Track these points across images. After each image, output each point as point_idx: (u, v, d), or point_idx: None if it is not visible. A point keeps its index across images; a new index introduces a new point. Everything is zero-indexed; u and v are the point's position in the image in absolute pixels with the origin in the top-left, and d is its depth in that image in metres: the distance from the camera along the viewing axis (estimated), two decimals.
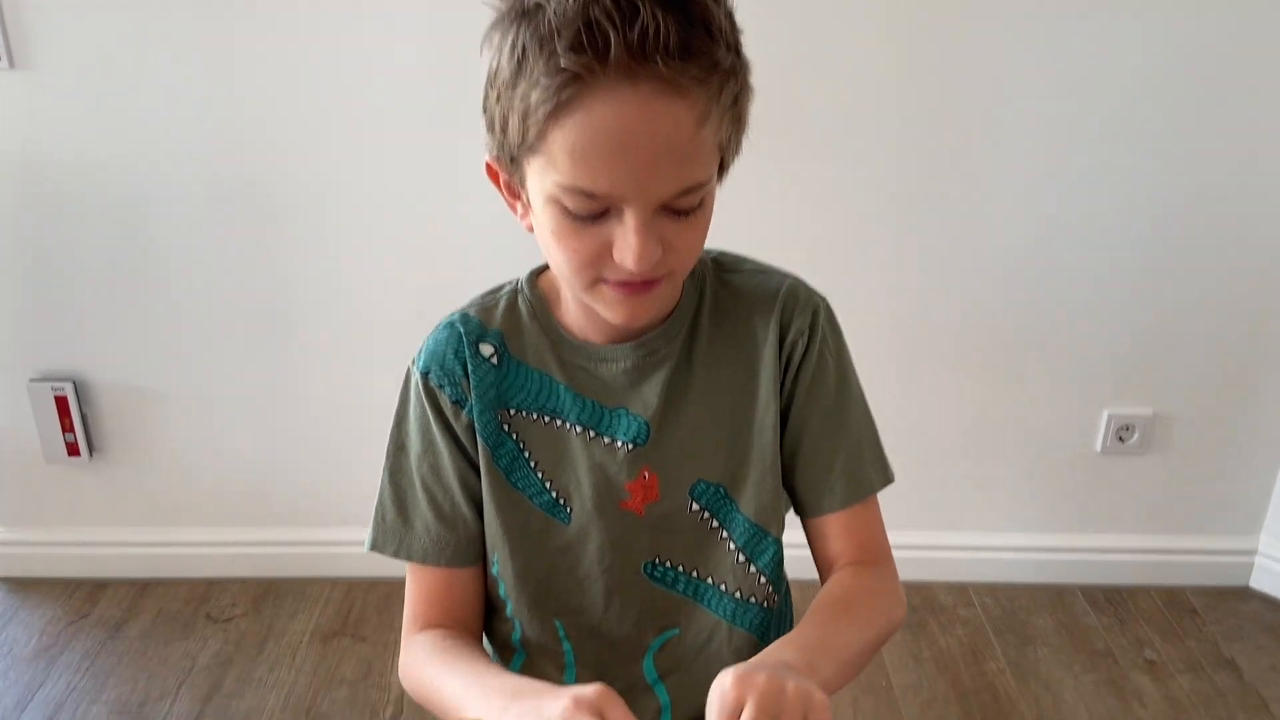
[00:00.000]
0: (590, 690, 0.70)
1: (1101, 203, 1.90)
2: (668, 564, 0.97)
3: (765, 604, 1.00)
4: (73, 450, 2.05)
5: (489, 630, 1.04)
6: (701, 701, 1.02)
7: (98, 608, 2.11)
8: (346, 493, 2.00)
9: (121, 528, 2.18)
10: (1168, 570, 2.19)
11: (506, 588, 0.99)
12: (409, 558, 0.96)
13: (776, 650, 0.77)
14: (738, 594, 0.99)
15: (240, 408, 2.07)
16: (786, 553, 1.00)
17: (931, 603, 2.15)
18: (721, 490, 0.96)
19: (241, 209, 1.92)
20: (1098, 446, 2.09)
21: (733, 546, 0.97)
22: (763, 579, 0.99)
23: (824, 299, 0.95)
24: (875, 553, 0.98)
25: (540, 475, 0.95)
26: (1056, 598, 2.17)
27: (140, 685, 1.91)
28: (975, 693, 1.92)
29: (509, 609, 1.00)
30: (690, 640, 1.00)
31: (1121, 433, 2.07)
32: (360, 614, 2.10)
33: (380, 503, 0.97)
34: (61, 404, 2.01)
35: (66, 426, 2.02)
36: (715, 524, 0.97)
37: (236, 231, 1.93)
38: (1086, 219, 1.91)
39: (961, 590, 2.19)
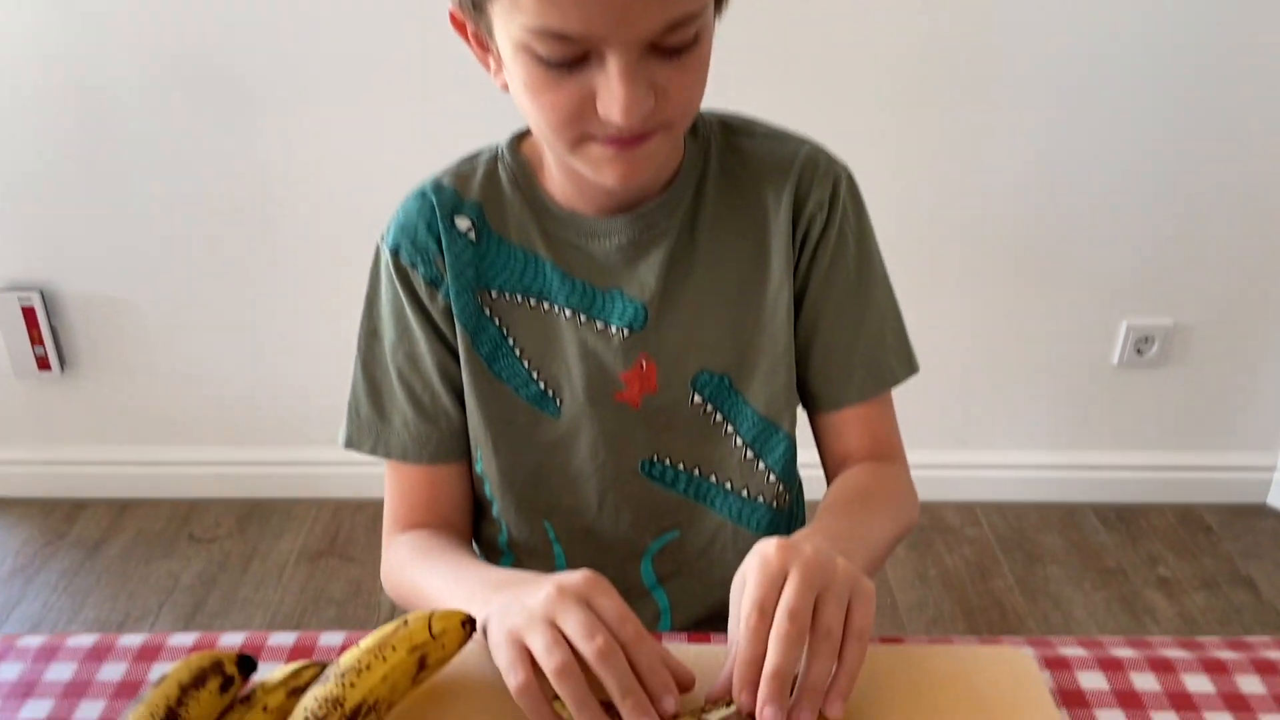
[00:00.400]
0: (577, 577, 0.62)
1: (1120, 105, 1.79)
2: (666, 462, 0.89)
3: (775, 504, 0.92)
4: (43, 364, 1.96)
5: (476, 532, 0.96)
6: (704, 605, 0.97)
7: (75, 528, 2.04)
8: (335, 409, 1.87)
9: (99, 446, 2.11)
10: (1182, 488, 2.13)
11: (491, 487, 0.90)
12: (387, 455, 0.88)
13: (804, 536, 0.70)
14: (744, 493, 0.91)
15: (219, 317, 1.98)
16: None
17: (938, 522, 2.09)
18: (727, 381, 0.87)
19: (212, 95, 1.79)
20: (1115, 359, 2.01)
21: (739, 443, 0.89)
22: (772, 477, 0.91)
23: (846, 168, 0.86)
24: (890, 449, 0.91)
25: (526, 364, 0.86)
26: (1066, 516, 2.11)
27: (120, 604, 1.85)
28: (982, 610, 1.87)
29: (495, 509, 0.92)
30: (692, 543, 0.92)
31: (1140, 345, 1.99)
32: (349, 534, 2.03)
33: (354, 395, 0.89)
34: (29, 315, 1.91)
35: (35, 339, 1.93)
36: (719, 418, 0.89)
37: (208, 121, 1.81)
38: (1104, 122, 1.81)
39: (968, 510, 2.14)
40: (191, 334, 2.00)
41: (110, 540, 2.02)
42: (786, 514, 0.93)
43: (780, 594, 0.60)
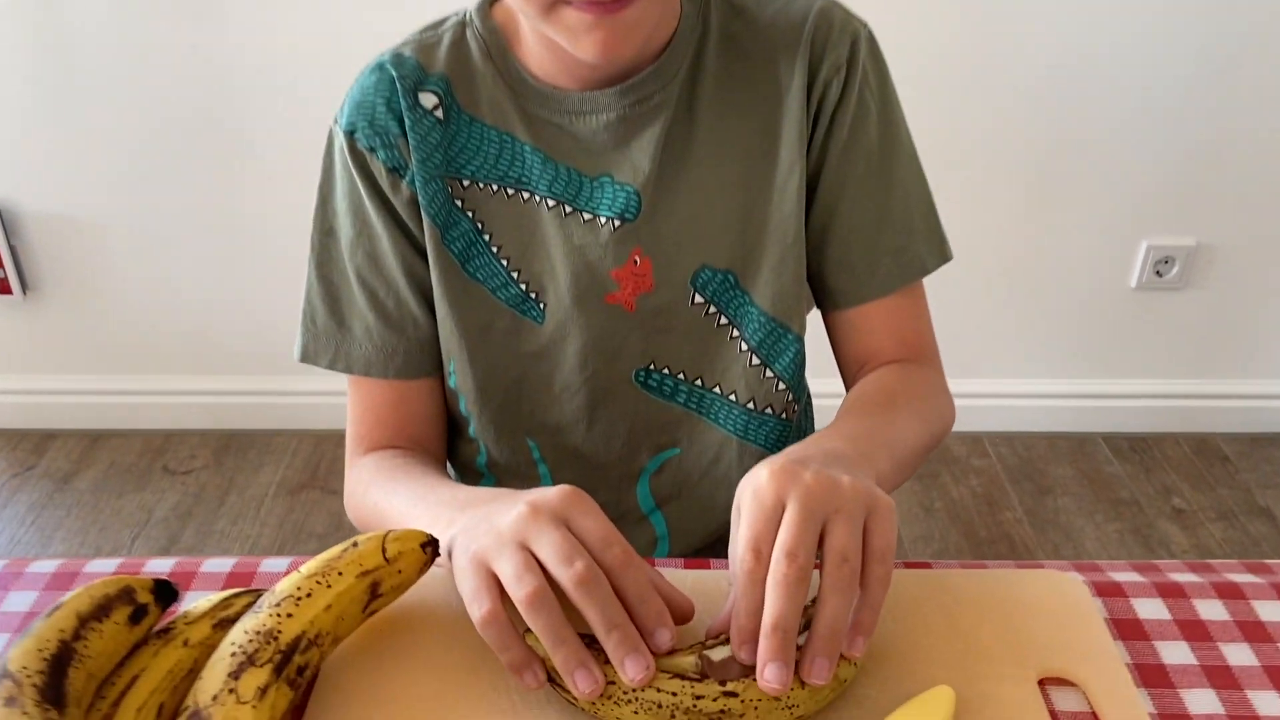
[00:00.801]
0: (554, 493, 0.53)
1: (1146, 7, 1.66)
2: (665, 370, 0.80)
3: (784, 415, 0.82)
4: (3, 287, 1.86)
5: (452, 453, 0.87)
6: (706, 530, 0.88)
7: (45, 459, 1.96)
8: None
9: (68, 375, 2.01)
10: (1198, 416, 2.05)
11: (468, 403, 0.81)
12: (348, 369, 0.78)
13: (820, 440, 0.60)
14: (750, 405, 0.82)
15: (191, 238, 1.86)
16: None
17: (944, 453, 2.01)
18: (731, 278, 0.77)
19: None
20: (1133, 282, 1.92)
21: (744, 347, 0.80)
22: (780, 385, 0.81)
23: (865, 24, 0.75)
24: (921, 350, 0.81)
25: (505, 263, 0.76)
26: (1077, 447, 2.03)
27: (90, 538, 1.77)
28: (990, 543, 1.80)
29: (472, 428, 0.83)
30: (693, 461, 0.83)
31: (1160, 266, 1.89)
32: (330, 467, 1.95)
33: (308, 302, 0.79)
34: None
35: None
36: (723, 320, 0.79)
37: (169, 25, 1.68)
38: (1128, 31, 1.68)
39: (975, 440, 2.05)
40: (161, 256, 1.89)
41: (81, 472, 1.93)
42: (796, 427, 0.84)
43: (777, 530, 0.51)
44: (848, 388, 0.81)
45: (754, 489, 0.53)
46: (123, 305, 1.94)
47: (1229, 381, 2.03)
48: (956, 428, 2.10)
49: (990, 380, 2.04)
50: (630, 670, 0.49)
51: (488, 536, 0.52)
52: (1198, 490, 1.92)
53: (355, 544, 0.55)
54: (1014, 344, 2.01)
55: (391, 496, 0.71)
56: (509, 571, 0.50)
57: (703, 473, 0.84)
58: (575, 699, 0.51)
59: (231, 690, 0.48)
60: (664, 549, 0.86)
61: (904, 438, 0.70)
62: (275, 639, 0.50)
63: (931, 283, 0.81)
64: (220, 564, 0.63)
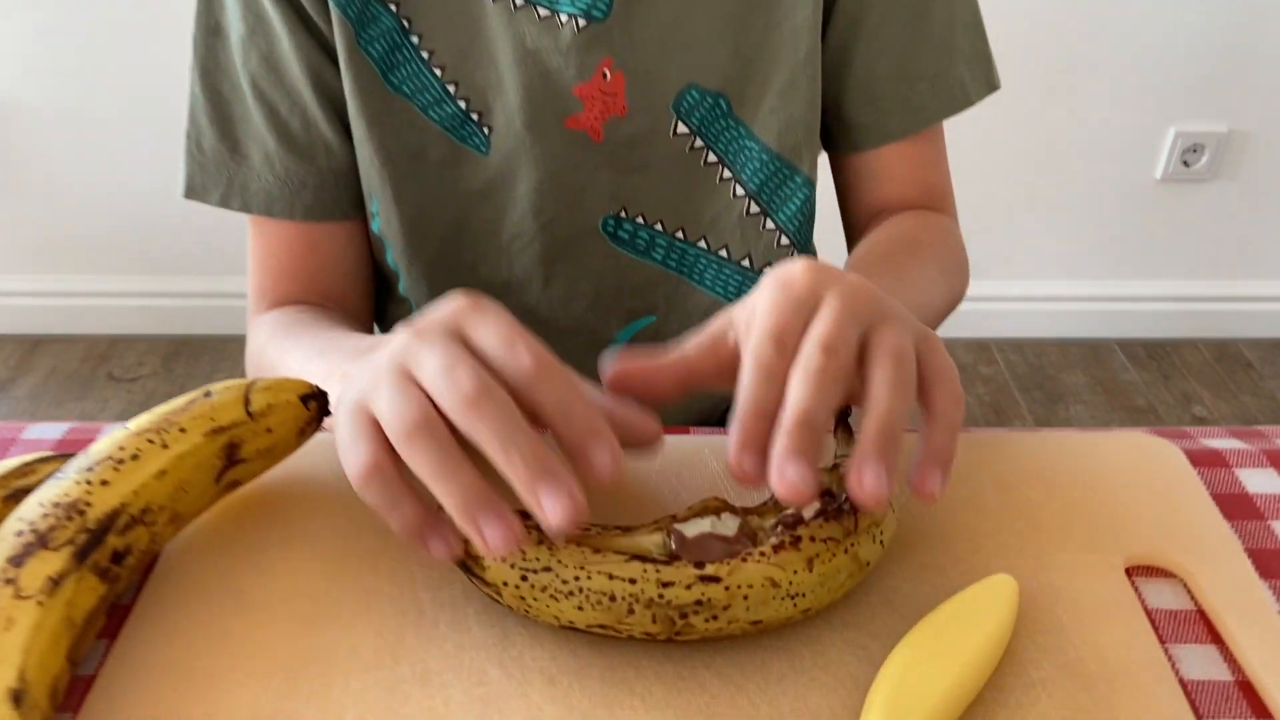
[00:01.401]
0: (448, 304, 0.38)
1: None
2: (639, 219, 0.65)
3: None
4: None
5: (379, 314, 0.73)
6: (686, 416, 0.74)
7: None
8: None
9: (2, 275, 1.85)
10: (1219, 321, 1.92)
11: (395, 252, 0.66)
12: (245, 207, 0.64)
13: None
14: (745, 262, 0.68)
15: (131, 125, 1.70)
16: None
17: None
18: (724, 102, 0.62)
19: None
20: (1158, 173, 1.77)
21: (739, 192, 0.65)
22: (784, 239, 0.67)
23: None
24: (944, 198, 0.69)
25: (438, 73, 0.61)
26: (1090, 353, 1.91)
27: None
28: None
29: (402, 284, 0.68)
30: (672, 331, 0.69)
31: (1188, 155, 1.75)
32: None
33: (192, 122, 0.64)
34: None
35: None
36: (712, 157, 0.64)
37: None
38: None
39: (983, 347, 1.93)
40: (100, 144, 1.72)
41: (19, 380, 1.79)
42: None
43: (806, 325, 0.37)
44: (851, 244, 0.68)
45: (780, 277, 0.39)
46: (58, 198, 1.79)
47: (1256, 283, 1.90)
48: (962, 333, 1.97)
49: (998, 282, 1.91)
50: (549, 509, 0.33)
51: (365, 374, 0.37)
52: (1219, 398, 1.79)
53: (208, 393, 0.41)
54: (1025, 242, 1.87)
55: (287, 354, 0.57)
56: (383, 406, 0.36)
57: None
58: (500, 594, 0.37)
59: (9, 581, 0.34)
60: None
61: (929, 293, 0.59)
62: (81, 514, 0.36)
63: None
64: (49, 430, 0.48)
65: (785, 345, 0.37)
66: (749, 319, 0.39)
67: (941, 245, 0.65)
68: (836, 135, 0.68)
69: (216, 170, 0.64)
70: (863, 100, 0.65)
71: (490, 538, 0.34)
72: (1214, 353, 1.91)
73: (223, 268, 1.84)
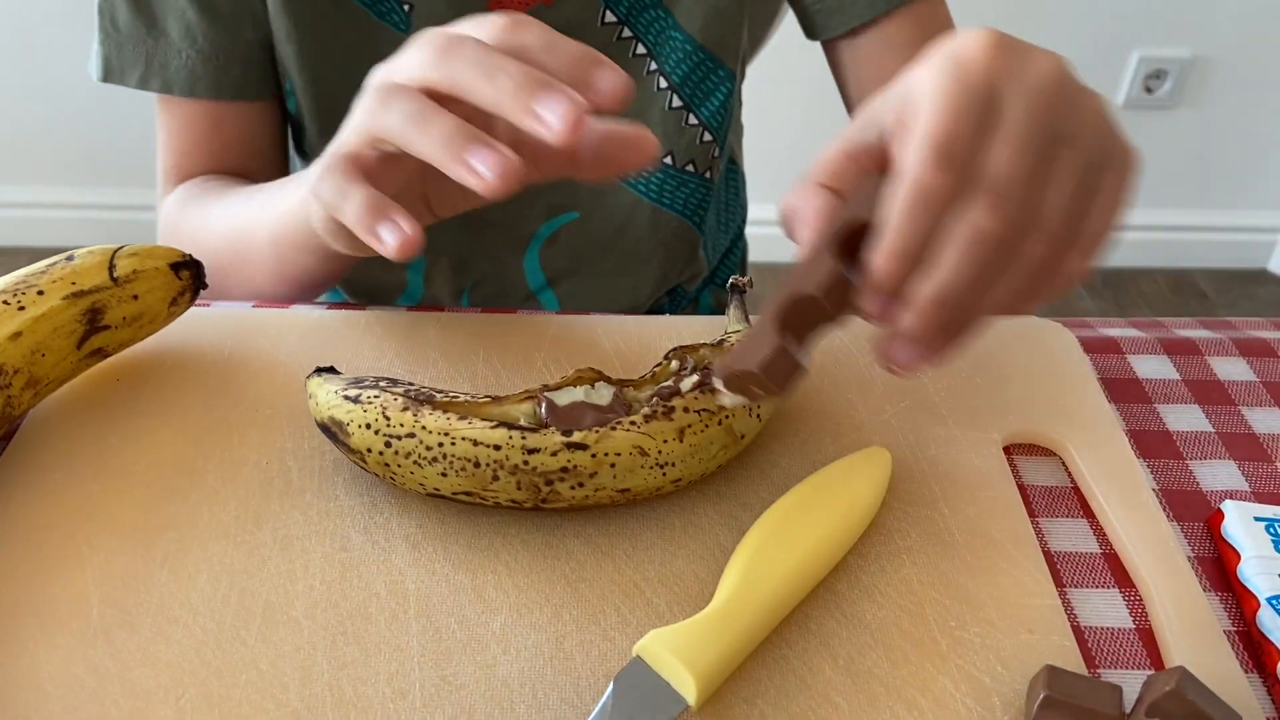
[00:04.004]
0: (400, 67, 0.36)
1: None
2: None
3: (706, 174, 0.67)
4: None
5: None
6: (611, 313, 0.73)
7: None
8: None
9: None
10: (1175, 250, 1.92)
11: (312, 136, 0.64)
12: (166, 88, 0.61)
13: None
14: (668, 160, 0.66)
15: (72, 27, 1.64)
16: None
17: None
18: None
19: None
20: (1120, 97, 1.75)
21: (663, 84, 0.63)
22: (706, 136, 0.65)
23: None
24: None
25: None
26: None
27: None
28: None
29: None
30: (595, 228, 0.68)
31: (1150, 81, 1.73)
32: None
33: None
34: None
35: None
36: (640, 49, 0.62)
37: None
38: None
39: None
40: (39, 43, 1.66)
41: None
42: (721, 190, 0.69)
43: (985, 137, 0.30)
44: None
45: (953, 56, 0.31)
46: (1, 104, 1.72)
47: (1211, 212, 1.90)
48: None
49: None
50: (555, 114, 0.31)
51: (345, 129, 0.38)
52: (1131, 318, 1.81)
53: (70, 257, 0.39)
54: None
55: (210, 211, 0.56)
56: (369, 109, 0.36)
57: (607, 244, 0.68)
58: (365, 461, 0.36)
59: None
60: None
61: None
62: None
63: None
64: None
65: (952, 166, 0.29)
66: (907, 112, 0.31)
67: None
68: (815, 21, 0.65)
69: (133, 49, 0.61)
70: None
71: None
72: (1169, 282, 1.91)
73: None
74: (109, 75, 0.62)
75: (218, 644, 0.32)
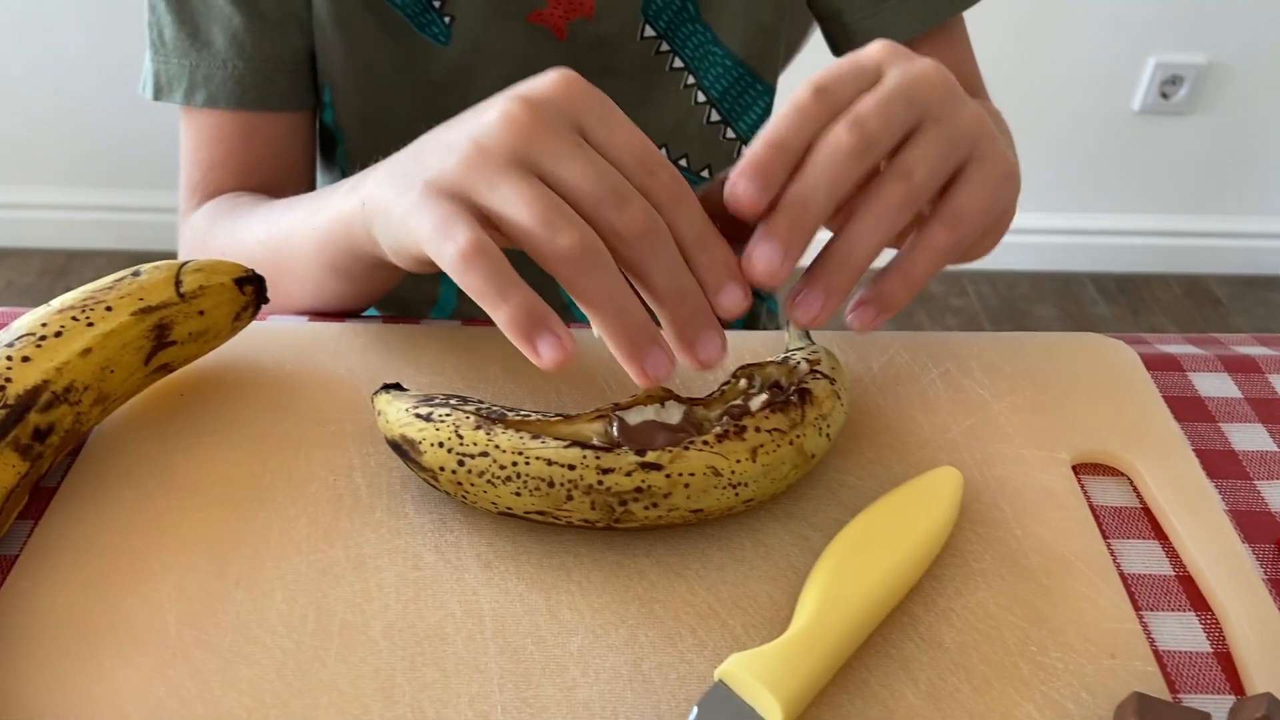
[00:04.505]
0: (556, 87, 0.35)
1: None
2: None
3: None
4: None
5: None
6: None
7: None
8: None
9: None
10: (1190, 256, 1.92)
11: (350, 145, 0.64)
12: (210, 100, 0.59)
13: None
14: (705, 173, 0.66)
15: (90, 26, 1.64)
16: None
17: (919, 292, 1.87)
18: (690, 6, 0.60)
19: None
20: (1135, 104, 1.75)
21: (702, 98, 0.63)
22: (743, 149, 0.65)
23: None
24: (977, 90, 0.67)
25: None
26: (1062, 286, 1.90)
27: None
28: None
29: None
30: None
31: (1166, 87, 1.73)
32: None
33: (152, 9, 0.60)
34: None
35: None
36: (678, 62, 0.62)
37: None
38: None
39: (954, 279, 1.92)
40: (48, 45, 1.66)
41: None
42: None
43: (861, 91, 0.35)
44: None
45: (860, 49, 0.37)
46: (14, 105, 1.72)
47: (1228, 218, 1.90)
48: None
49: None
50: (705, 351, 0.34)
51: (444, 155, 0.35)
52: (1187, 333, 1.80)
53: (137, 272, 0.39)
54: None
55: (241, 227, 0.55)
56: (512, 196, 0.33)
57: None
58: (437, 479, 0.36)
59: None
60: None
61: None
62: (0, 389, 0.35)
63: None
64: None
65: (825, 97, 0.34)
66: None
67: (1000, 125, 0.59)
68: (842, 45, 0.65)
69: (179, 63, 0.60)
70: (863, 1, 0.61)
71: (655, 366, 0.33)
72: (1184, 288, 1.91)
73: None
74: (160, 93, 0.61)
75: (297, 664, 0.32)
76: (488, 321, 0.44)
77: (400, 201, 0.35)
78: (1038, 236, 1.91)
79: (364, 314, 0.53)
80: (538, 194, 0.33)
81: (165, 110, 0.64)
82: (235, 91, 0.59)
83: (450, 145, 0.35)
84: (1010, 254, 1.92)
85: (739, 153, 0.66)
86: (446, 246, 0.32)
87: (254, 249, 0.53)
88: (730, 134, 0.66)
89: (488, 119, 0.34)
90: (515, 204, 0.33)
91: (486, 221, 0.34)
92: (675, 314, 0.33)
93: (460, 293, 0.68)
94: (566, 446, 0.35)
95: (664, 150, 0.65)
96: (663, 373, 0.33)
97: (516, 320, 0.32)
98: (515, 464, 0.35)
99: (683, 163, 0.66)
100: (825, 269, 0.35)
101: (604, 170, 0.33)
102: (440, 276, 0.67)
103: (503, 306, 0.32)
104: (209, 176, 0.63)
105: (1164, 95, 1.74)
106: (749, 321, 0.76)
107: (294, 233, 0.49)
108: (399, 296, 0.69)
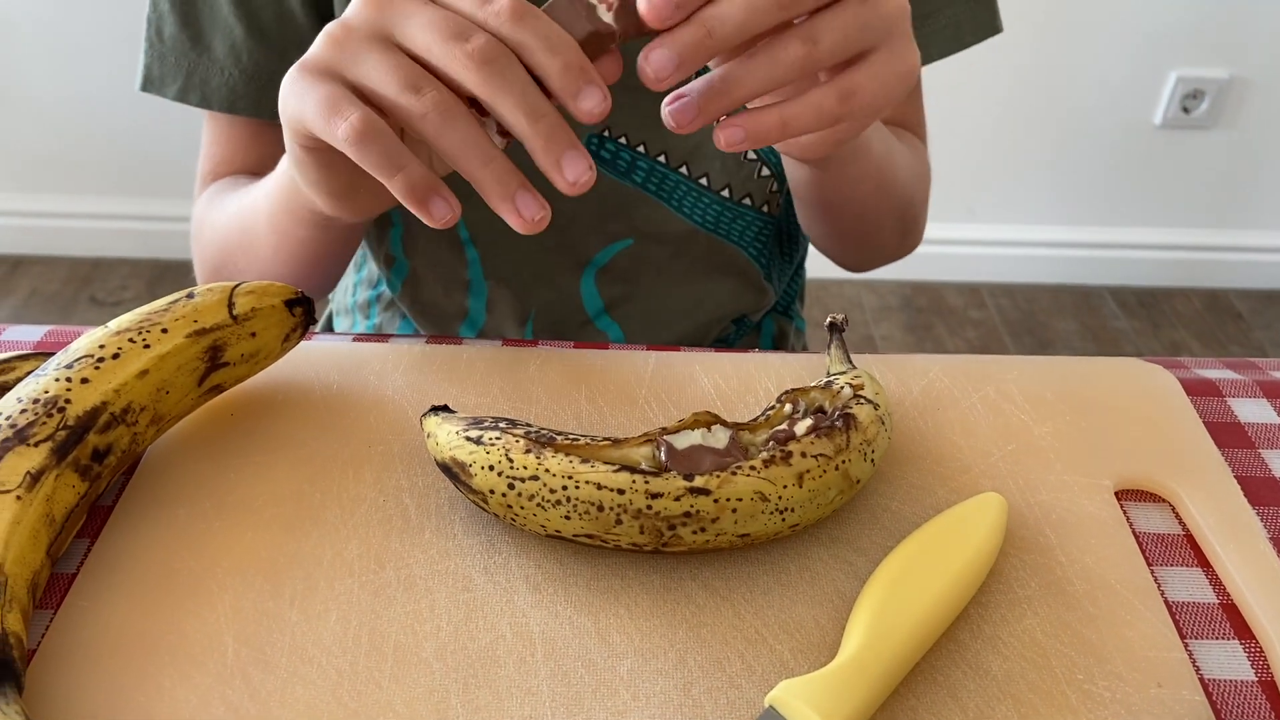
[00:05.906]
0: None
1: None
2: (622, 140, 0.64)
3: (764, 208, 0.67)
4: None
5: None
6: (665, 340, 0.74)
7: None
8: None
9: None
10: (1211, 270, 1.91)
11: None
12: (204, 102, 0.61)
13: None
14: (725, 193, 0.66)
15: (114, 40, 1.65)
16: None
17: (939, 304, 1.87)
18: None
19: None
20: (1157, 118, 1.75)
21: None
22: (764, 170, 0.66)
23: None
24: (915, 132, 0.69)
25: None
26: (1082, 300, 1.90)
27: None
28: None
29: None
30: (650, 256, 0.68)
31: (1188, 101, 1.72)
32: None
33: (153, 6, 0.61)
34: None
35: None
36: None
37: None
38: None
39: (973, 291, 1.92)
40: (77, 58, 1.67)
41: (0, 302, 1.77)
42: (776, 223, 0.69)
43: None
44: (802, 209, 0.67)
45: None
46: (36, 114, 1.74)
47: (1249, 233, 1.89)
48: (953, 277, 1.96)
49: (991, 226, 1.89)
50: (572, 170, 0.35)
51: (318, 41, 0.38)
52: (1208, 348, 1.80)
53: (191, 295, 0.40)
54: (1019, 186, 1.85)
55: (235, 195, 0.58)
56: (378, 68, 0.36)
57: (660, 270, 0.69)
58: (486, 502, 0.36)
59: None
60: None
61: (894, 149, 0.58)
62: (61, 410, 0.35)
63: (940, 118, 0.70)
64: (29, 332, 0.47)
65: None
66: None
67: (909, 149, 0.63)
68: None
69: (176, 61, 0.61)
70: None
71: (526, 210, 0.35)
72: (1204, 302, 1.91)
73: None
74: (149, 84, 0.62)
75: (353, 685, 0.33)
76: (527, 342, 0.45)
77: (285, 90, 0.38)
78: (1058, 249, 1.91)
79: (405, 333, 0.53)
80: (397, 62, 0.36)
81: (188, 120, 0.66)
82: (229, 98, 0.61)
83: (324, 31, 0.38)
84: (1030, 266, 1.92)
85: (757, 174, 0.66)
86: (338, 125, 0.36)
87: (229, 218, 0.57)
88: (752, 154, 0.66)
89: (354, 3, 0.38)
90: (379, 75, 0.36)
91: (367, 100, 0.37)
92: (535, 135, 0.35)
93: (488, 305, 0.69)
94: (615, 471, 0.36)
95: (684, 168, 0.65)
96: (535, 212, 0.35)
97: (412, 186, 0.36)
98: (565, 488, 0.35)
99: (703, 181, 0.66)
100: (706, 88, 0.37)
101: (445, 16, 0.35)
102: (467, 288, 0.68)
103: (398, 175, 0.36)
104: (218, 169, 0.65)
105: (1185, 109, 1.74)
106: (776, 340, 0.77)
107: (259, 192, 0.53)
108: (431, 307, 0.70)
